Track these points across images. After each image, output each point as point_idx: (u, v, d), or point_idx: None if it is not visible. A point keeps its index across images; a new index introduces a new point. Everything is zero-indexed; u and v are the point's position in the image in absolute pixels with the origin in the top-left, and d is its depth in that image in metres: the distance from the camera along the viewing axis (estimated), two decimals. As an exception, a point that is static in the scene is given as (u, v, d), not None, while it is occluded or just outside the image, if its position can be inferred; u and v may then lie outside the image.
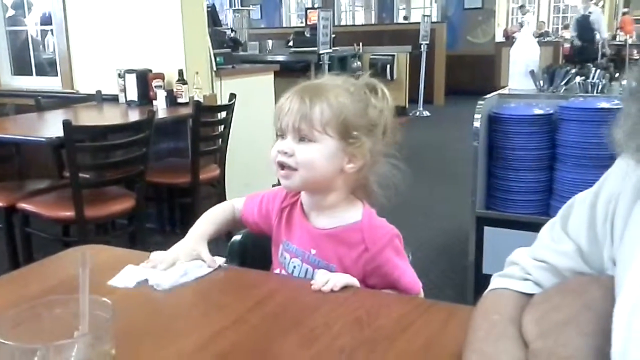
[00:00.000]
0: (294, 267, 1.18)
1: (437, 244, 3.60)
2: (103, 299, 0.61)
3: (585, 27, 8.68)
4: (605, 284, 0.70)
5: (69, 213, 2.68)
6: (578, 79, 2.73)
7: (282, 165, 1.10)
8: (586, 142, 2.38)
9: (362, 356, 0.82)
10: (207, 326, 0.93)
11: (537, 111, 2.57)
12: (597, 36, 8.80)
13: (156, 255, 1.14)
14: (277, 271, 1.22)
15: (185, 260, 1.14)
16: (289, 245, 1.19)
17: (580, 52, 8.76)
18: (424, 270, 3.13)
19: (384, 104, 1.15)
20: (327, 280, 1.04)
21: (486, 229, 2.59)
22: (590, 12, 8.79)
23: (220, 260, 1.16)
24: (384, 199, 1.17)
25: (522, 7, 8.33)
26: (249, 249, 1.35)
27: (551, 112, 2.55)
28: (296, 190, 1.18)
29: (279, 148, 1.10)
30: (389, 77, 8.80)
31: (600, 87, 2.64)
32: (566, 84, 2.72)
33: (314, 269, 1.15)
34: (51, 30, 4.39)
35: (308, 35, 7.23)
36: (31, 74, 4.67)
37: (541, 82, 2.75)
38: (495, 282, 0.84)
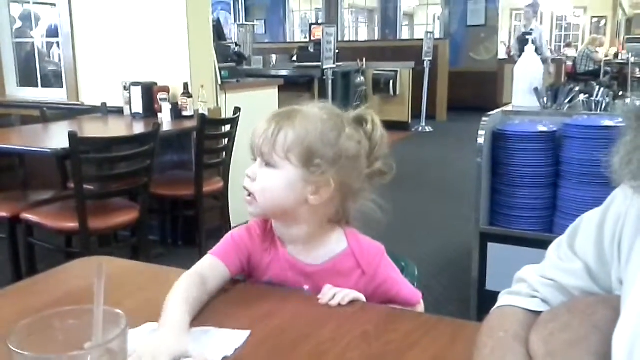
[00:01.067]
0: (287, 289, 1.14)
1: (440, 260, 3.59)
2: (117, 310, 0.62)
3: (525, 45, 8.56)
4: (613, 304, 0.70)
5: (72, 224, 2.69)
6: (582, 96, 2.73)
7: (248, 191, 1.08)
8: (590, 160, 2.39)
9: (371, 371, 0.82)
10: (214, 339, 0.92)
11: (541, 128, 2.58)
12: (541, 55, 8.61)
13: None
14: None
15: None
16: (276, 285, 1.14)
17: None
18: (427, 286, 3.13)
19: (364, 137, 1.09)
20: (335, 294, 1.04)
21: (490, 245, 2.59)
22: (531, 30, 8.53)
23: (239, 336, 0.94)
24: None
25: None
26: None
27: (555, 129, 2.55)
28: (259, 217, 1.13)
29: (247, 171, 1.09)
30: (391, 92, 8.84)
31: (603, 105, 2.65)
32: (570, 101, 2.73)
33: None
34: (57, 42, 4.42)
35: (312, 50, 7.27)
36: (37, 86, 4.70)
37: (545, 99, 2.76)
38: (502, 300, 0.84)
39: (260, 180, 1.07)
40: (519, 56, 8.83)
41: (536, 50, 8.38)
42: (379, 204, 1.12)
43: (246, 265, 1.14)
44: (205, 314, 1.04)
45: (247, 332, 0.94)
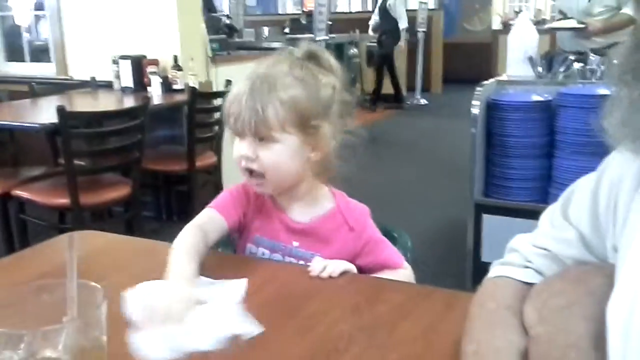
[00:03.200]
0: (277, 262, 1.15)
1: (435, 232, 3.59)
2: (93, 283, 0.59)
3: (386, 14, 8.26)
4: (607, 272, 0.68)
5: (64, 200, 2.66)
6: (577, 65, 2.70)
7: (250, 172, 1.07)
8: (585, 129, 2.36)
9: (362, 343, 0.81)
10: (202, 313, 0.91)
11: (536, 98, 2.55)
12: (400, 25, 8.28)
13: (138, 306, 0.86)
14: None
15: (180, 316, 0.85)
16: (266, 241, 1.15)
17: (380, 41, 8.24)
18: (422, 259, 3.12)
19: (333, 77, 1.10)
20: (325, 266, 1.03)
21: (484, 216, 2.58)
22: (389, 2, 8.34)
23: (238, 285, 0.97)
24: (344, 170, 1.12)
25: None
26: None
27: (550, 98, 2.53)
28: (273, 193, 1.14)
29: (242, 152, 1.06)
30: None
31: (599, 73, 2.62)
32: (565, 70, 2.70)
33: (298, 261, 1.13)
34: (45, 15, 4.34)
35: (304, 22, 7.19)
36: (25, 60, 4.63)
37: (540, 68, 2.72)
38: (495, 270, 0.83)
39: (264, 157, 1.05)
40: (378, 27, 8.43)
41: (391, 18, 7.89)
42: (354, 133, 1.12)
43: (242, 219, 1.14)
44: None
45: (244, 280, 0.96)
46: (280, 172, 1.07)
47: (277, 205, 1.15)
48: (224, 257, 1.18)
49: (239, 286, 0.95)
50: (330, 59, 1.12)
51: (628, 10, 3.47)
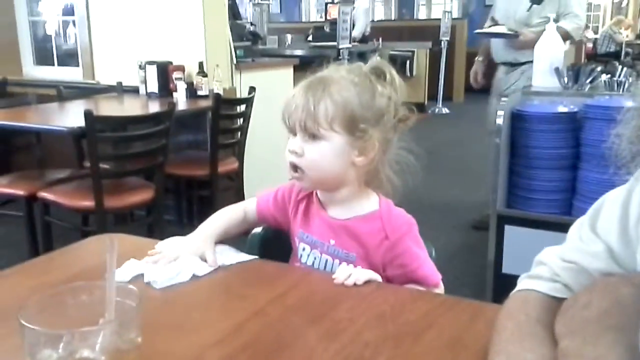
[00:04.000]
0: (314, 258, 1.18)
1: (456, 242, 3.57)
2: (130, 286, 0.61)
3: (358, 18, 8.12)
4: (635, 281, 0.67)
5: (88, 203, 2.70)
6: (604, 77, 2.67)
7: (295, 167, 1.10)
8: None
9: (387, 351, 0.81)
10: (227, 318, 0.92)
11: (562, 109, 2.53)
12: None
13: (161, 247, 1.13)
14: (297, 264, 1.21)
15: (188, 257, 1.10)
16: (307, 237, 1.19)
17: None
18: (442, 269, 3.08)
19: (391, 89, 1.12)
20: (350, 274, 1.03)
21: (507, 227, 2.56)
22: (354, 7, 8.14)
23: (245, 257, 1.14)
24: (398, 185, 1.16)
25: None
26: (269, 242, 1.34)
27: (576, 110, 2.50)
28: (311, 190, 1.19)
29: (290, 148, 1.11)
30: (408, 73, 8.76)
31: (626, 85, 2.59)
32: (591, 82, 2.67)
33: (333, 259, 1.15)
34: (73, 21, 4.41)
35: (327, 30, 7.21)
36: (53, 64, 4.71)
37: (566, 79, 2.70)
38: (522, 284, 0.82)
39: (309, 154, 1.09)
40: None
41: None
42: (409, 148, 1.15)
43: (280, 218, 1.24)
44: (217, 292, 1.04)
45: (255, 257, 1.14)
46: (322, 170, 1.10)
47: (320, 202, 1.18)
48: (253, 262, 1.19)
49: (245, 257, 1.14)
50: (393, 74, 1.14)
51: (565, 25, 3.35)
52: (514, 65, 3.63)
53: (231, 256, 1.13)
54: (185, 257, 1.09)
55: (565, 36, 3.34)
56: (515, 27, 3.50)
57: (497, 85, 3.78)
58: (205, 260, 1.10)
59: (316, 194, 1.19)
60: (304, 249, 1.19)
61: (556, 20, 3.19)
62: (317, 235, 1.17)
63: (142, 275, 1.03)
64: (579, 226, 0.81)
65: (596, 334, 0.61)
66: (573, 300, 0.72)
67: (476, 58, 4.05)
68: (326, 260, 1.16)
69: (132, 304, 0.59)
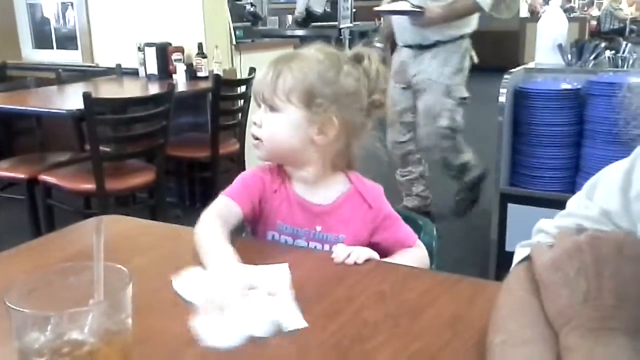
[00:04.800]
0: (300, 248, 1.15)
1: (458, 221, 3.55)
2: (119, 266, 0.59)
3: None
4: (629, 254, 0.63)
5: (89, 185, 2.70)
6: (608, 53, 2.64)
7: (255, 137, 1.12)
8: (615, 119, 2.31)
9: (386, 330, 0.80)
10: (226, 298, 0.90)
11: (565, 86, 2.50)
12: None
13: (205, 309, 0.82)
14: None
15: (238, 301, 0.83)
16: (286, 228, 1.15)
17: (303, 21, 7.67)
18: (445, 247, 3.08)
19: (361, 73, 1.11)
20: (349, 253, 1.02)
21: (510, 205, 2.54)
22: None
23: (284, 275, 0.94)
24: (365, 172, 1.18)
25: None
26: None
27: (579, 87, 2.47)
28: (266, 160, 1.17)
29: (253, 118, 1.13)
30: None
31: (631, 61, 2.55)
32: (595, 58, 2.63)
33: (322, 245, 1.14)
34: (71, 3, 4.37)
35: (329, 10, 7.13)
36: (52, 48, 4.68)
37: (569, 56, 2.66)
38: (519, 252, 0.80)
39: (266, 125, 1.11)
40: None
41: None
42: (381, 138, 1.16)
43: (257, 206, 1.15)
44: (217, 272, 1.02)
45: (285, 265, 0.95)
46: (277, 142, 1.10)
47: (295, 190, 1.16)
48: (247, 243, 1.18)
49: (283, 270, 0.94)
50: (372, 58, 1.14)
51: None
52: (422, 47, 3.23)
53: (272, 276, 0.92)
54: (236, 308, 0.82)
55: (473, 7, 3.13)
56: (421, 3, 3.11)
57: (401, 70, 3.32)
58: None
59: (291, 184, 1.15)
60: (285, 241, 1.16)
61: None
62: (300, 224, 1.15)
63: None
64: (577, 198, 0.79)
65: (606, 335, 0.59)
66: (556, 271, 0.66)
67: (374, 44, 3.51)
68: (314, 247, 1.14)
69: (121, 284, 0.58)
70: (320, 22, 6.92)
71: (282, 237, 1.16)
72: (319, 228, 1.14)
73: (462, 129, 3.42)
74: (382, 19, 3.63)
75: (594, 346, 0.58)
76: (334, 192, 1.16)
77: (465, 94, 3.34)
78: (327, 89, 1.08)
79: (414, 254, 1.15)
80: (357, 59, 1.13)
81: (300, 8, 7.65)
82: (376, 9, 3.45)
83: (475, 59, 3.36)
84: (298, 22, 7.30)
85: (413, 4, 3.10)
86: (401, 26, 3.28)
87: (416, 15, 3.12)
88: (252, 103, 3.36)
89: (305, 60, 1.10)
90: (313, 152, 1.11)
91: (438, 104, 3.28)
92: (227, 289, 0.83)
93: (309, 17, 6.94)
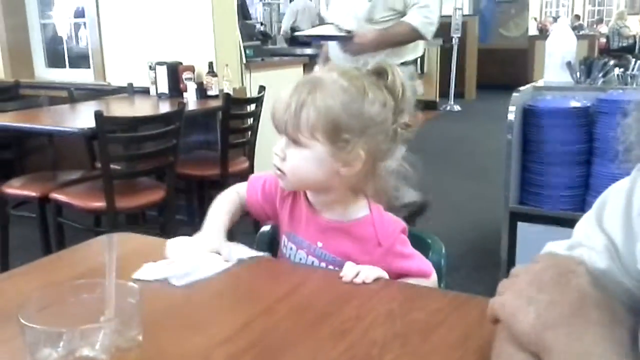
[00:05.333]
0: (300, 259, 1.15)
1: (468, 239, 3.54)
2: (130, 283, 0.60)
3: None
4: (579, 271, 0.66)
5: (100, 204, 2.71)
6: (617, 70, 2.64)
7: (277, 167, 1.09)
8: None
9: (396, 350, 0.79)
10: (234, 317, 0.91)
11: (574, 104, 2.50)
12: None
13: (172, 246, 1.10)
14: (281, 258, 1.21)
15: (204, 254, 1.08)
16: (294, 237, 1.16)
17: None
18: (454, 267, 3.09)
19: (387, 95, 1.05)
20: (358, 272, 1.01)
21: (519, 224, 2.54)
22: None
23: (258, 253, 1.11)
24: (395, 198, 1.12)
25: None
26: (277, 239, 1.33)
27: (588, 104, 2.47)
28: (292, 190, 1.16)
29: (275, 149, 1.09)
30: (419, 70, 8.68)
31: (639, 79, 2.56)
32: (604, 75, 2.64)
33: (320, 262, 1.13)
34: (84, 23, 4.44)
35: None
36: (64, 67, 4.74)
37: (578, 74, 2.67)
38: None
39: (290, 159, 1.06)
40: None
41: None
42: (409, 160, 1.10)
43: (269, 207, 1.21)
44: (224, 290, 1.03)
45: (267, 253, 1.13)
46: (302, 176, 1.07)
47: (309, 202, 1.15)
48: (260, 260, 1.19)
49: (255, 253, 1.10)
50: (396, 76, 1.07)
51: (411, 18, 2.70)
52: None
53: (245, 251, 1.11)
54: (201, 255, 1.07)
55: (412, 34, 2.73)
56: (357, 26, 2.78)
57: None
58: (221, 255, 1.08)
59: (304, 193, 1.16)
60: (291, 249, 1.16)
61: (403, 13, 2.73)
62: (304, 236, 1.14)
63: (164, 278, 1.01)
64: (585, 222, 0.78)
65: (580, 330, 0.60)
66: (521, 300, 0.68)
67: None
68: (312, 262, 1.13)
69: (132, 301, 0.58)
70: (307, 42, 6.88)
71: (289, 244, 1.17)
72: (319, 244, 1.12)
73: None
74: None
75: (568, 341, 0.59)
76: (348, 214, 1.12)
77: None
78: (353, 121, 1.02)
79: (419, 283, 1.11)
80: (379, 73, 1.07)
81: (285, 26, 7.70)
82: (297, 33, 3.08)
83: (420, 90, 3.16)
84: (285, 40, 7.31)
85: (341, 28, 2.80)
86: (335, 51, 2.94)
87: (344, 40, 2.81)
88: (262, 122, 3.37)
89: (329, 89, 1.02)
90: (337, 182, 1.08)
91: None
92: (188, 243, 1.10)
93: (294, 36, 6.89)
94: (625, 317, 0.62)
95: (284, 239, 1.19)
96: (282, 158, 1.07)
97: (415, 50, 2.90)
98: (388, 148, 1.07)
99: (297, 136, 1.03)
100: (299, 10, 7.80)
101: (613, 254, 0.70)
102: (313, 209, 1.14)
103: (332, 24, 2.81)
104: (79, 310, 0.59)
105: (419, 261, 1.14)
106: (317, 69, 1.11)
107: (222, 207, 1.20)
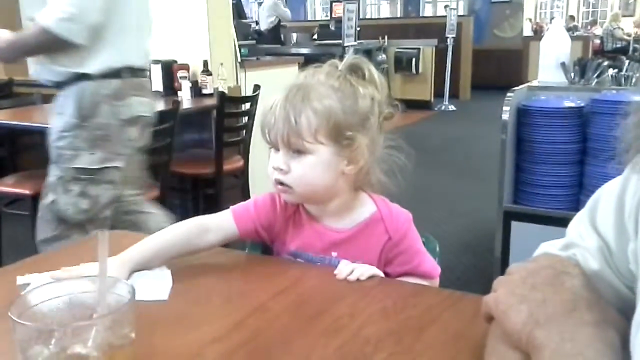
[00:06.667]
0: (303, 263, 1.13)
1: (462, 239, 3.55)
2: (122, 280, 0.60)
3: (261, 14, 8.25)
4: (573, 272, 0.67)
5: (93, 202, 2.69)
6: (611, 71, 2.65)
7: (280, 182, 1.05)
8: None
9: (389, 347, 0.80)
10: (228, 314, 0.91)
11: (568, 104, 2.51)
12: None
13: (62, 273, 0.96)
14: None
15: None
16: (302, 255, 1.12)
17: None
18: (449, 266, 3.10)
19: (373, 88, 1.06)
20: (352, 270, 1.02)
21: (513, 223, 2.54)
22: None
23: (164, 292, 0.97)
24: (391, 186, 1.10)
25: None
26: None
27: (582, 105, 2.48)
28: (299, 203, 1.12)
29: (274, 164, 1.05)
30: (414, 71, 8.73)
31: (633, 79, 2.57)
32: (598, 76, 2.65)
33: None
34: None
35: (333, 28, 7.20)
36: (58, 65, 4.71)
37: (572, 74, 2.68)
38: None
39: (295, 170, 1.03)
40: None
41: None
42: (395, 146, 1.09)
43: (264, 233, 1.12)
44: (218, 288, 1.03)
45: (168, 272, 1.01)
46: (311, 184, 1.04)
47: (311, 215, 1.12)
48: (251, 257, 1.19)
49: (164, 281, 0.99)
50: (372, 70, 1.08)
51: (42, 17, 2.02)
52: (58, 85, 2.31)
53: (150, 290, 0.96)
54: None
55: (44, 36, 2.06)
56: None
57: None
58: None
59: (304, 207, 1.13)
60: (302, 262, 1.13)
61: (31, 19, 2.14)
62: (315, 251, 1.11)
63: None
64: (578, 221, 0.78)
65: (572, 330, 0.60)
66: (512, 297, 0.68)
67: None
68: (316, 265, 1.11)
69: (124, 299, 0.58)
70: (267, 43, 6.86)
71: (298, 260, 1.13)
72: (334, 254, 1.10)
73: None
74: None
75: (561, 341, 0.59)
76: (355, 217, 1.11)
77: (98, 165, 2.29)
78: (352, 117, 1.03)
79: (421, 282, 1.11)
80: (356, 72, 1.07)
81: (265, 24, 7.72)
82: None
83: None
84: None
85: None
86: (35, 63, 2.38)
87: None
88: (256, 120, 3.35)
89: (320, 91, 1.02)
90: (342, 183, 1.07)
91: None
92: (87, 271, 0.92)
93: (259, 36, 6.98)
94: (616, 319, 0.62)
95: (289, 257, 1.14)
96: (285, 171, 1.04)
97: (99, 58, 2.20)
98: (378, 139, 1.09)
99: (301, 144, 1.01)
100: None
101: (606, 255, 0.70)
102: (320, 224, 1.12)
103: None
104: (71, 307, 0.59)
105: (426, 260, 1.13)
106: (300, 77, 1.07)
107: (157, 236, 1.06)
